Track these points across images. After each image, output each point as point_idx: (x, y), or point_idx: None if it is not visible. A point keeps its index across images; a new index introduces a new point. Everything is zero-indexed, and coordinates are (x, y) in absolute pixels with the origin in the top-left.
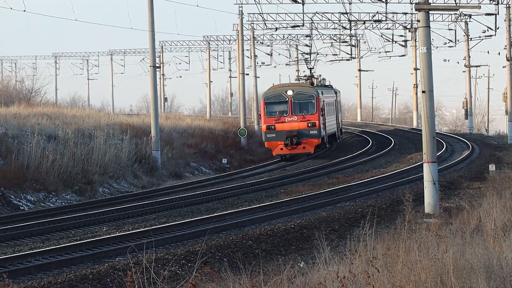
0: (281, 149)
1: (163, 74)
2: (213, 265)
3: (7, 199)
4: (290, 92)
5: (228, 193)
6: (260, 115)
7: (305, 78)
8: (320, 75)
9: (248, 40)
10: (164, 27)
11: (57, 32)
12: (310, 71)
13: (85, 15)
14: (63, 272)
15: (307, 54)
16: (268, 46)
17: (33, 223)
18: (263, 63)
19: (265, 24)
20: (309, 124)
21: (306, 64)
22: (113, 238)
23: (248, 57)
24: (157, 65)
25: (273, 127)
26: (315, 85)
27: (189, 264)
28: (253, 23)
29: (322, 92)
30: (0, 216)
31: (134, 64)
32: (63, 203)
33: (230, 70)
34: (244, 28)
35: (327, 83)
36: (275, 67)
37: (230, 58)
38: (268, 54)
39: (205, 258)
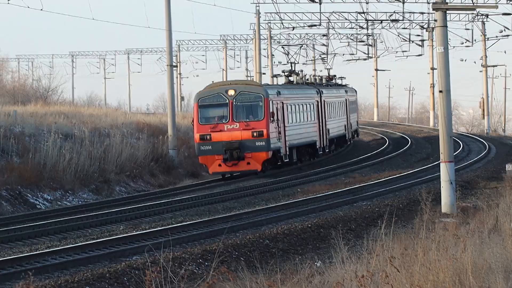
0: (219, 165)
1: (180, 73)
2: (230, 264)
3: (24, 197)
4: (231, 92)
5: (245, 192)
6: (193, 121)
7: (286, 73)
8: (301, 71)
9: (265, 39)
10: (181, 26)
11: (74, 31)
12: (291, 65)
13: (102, 14)
14: (80, 270)
15: (323, 53)
16: (285, 45)
17: (50, 222)
18: (280, 62)
19: (282, 23)
20: (255, 134)
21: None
22: (130, 237)
23: (265, 56)
24: (174, 64)
25: (208, 137)
26: (294, 82)
27: (206, 263)
28: (270, 23)
29: (278, 92)
30: (17, 215)
31: (151, 63)
32: (80, 202)
33: (247, 69)
34: (261, 27)
35: (339, 81)
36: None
37: (247, 58)
38: (285, 53)
39: (222, 257)
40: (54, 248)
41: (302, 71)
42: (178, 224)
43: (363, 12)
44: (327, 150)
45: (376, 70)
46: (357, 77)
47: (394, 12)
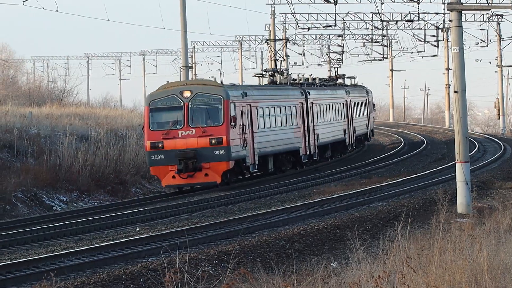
0: (173, 177)
1: (195, 74)
2: (246, 265)
3: (40, 199)
4: (187, 94)
5: (261, 193)
6: (143, 127)
7: (269, 72)
8: (286, 70)
9: (280, 40)
10: (196, 27)
11: (89, 32)
12: (275, 63)
13: (117, 15)
14: (96, 272)
15: (339, 53)
16: (301, 46)
17: (66, 223)
18: (295, 63)
19: (297, 24)
20: (213, 141)
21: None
22: (146, 238)
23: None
24: (189, 65)
25: (160, 145)
26: (278, 82)
27: (222, 264)
28: (285, 23)
29: (244, 94)
30: (33, 217)
31: (166, 64)
32: (96, 203)
33: (262, 70)
34: (276, 28)
35: (348, 81)
36: (307, 67)
37: (262, 58)
38: (300, 54)
39: (238, 259)
40: (70, 250)
41: (287, 70)
42: (194, 225)
43: (378, 13)
44: (315, 158)
45: (391, 70)
46: (372, 78)
47: (409, 12)
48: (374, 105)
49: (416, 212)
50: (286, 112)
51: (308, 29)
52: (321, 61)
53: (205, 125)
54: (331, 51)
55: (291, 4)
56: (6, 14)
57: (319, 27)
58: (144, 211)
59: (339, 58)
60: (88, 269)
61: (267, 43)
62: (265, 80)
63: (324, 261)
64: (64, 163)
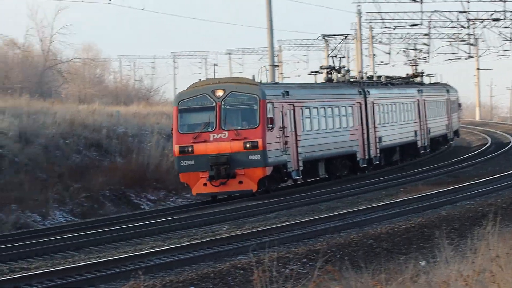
0: (204, 184)
1: (281, 73)
2: (334, 264)
3: (127, 198)
4: (219, 93)
5: (348, 192)
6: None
7: (326, 69)
8: (343, 67)
9: (367, 39)
10: (282, 25)
11: (176, 31)
12: (333, 59)
13: (204, 14)
14: (185, 270)
15: (425, 52)
16: (387, 45)
17: (154, 222)
18: (381, 62)
19: (383, 22)
20: (248, 145)
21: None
22: (234, 236)
23: (366, 56)
24: (275, 64)
25: (190, 149)
26: (334, 80)
27: (310, 263)
28: (371, 22)
29: (285, 93)
30: (121, 215)
31: (253, 63)
32: (183, 202)
33: (348, 69)
34: (362, 26)
35: (427, 79)
36: (393, 66)
37: (348, 57)
38: (387, 53)
39: (326, 257)
40: (158, 248)
41: (344, 67)
42: (282, 224)
43: (464, 11)
44: (376, 162)
45: (478, 69)
46: (459, 76)
47: (495, 11)
48: (459, 105)
49: (504, 211)
50: (339, 113)
51: (394, 28)
52: (408, 60)
53: (239, 128)
54: (416, 50)
55: (377, 2)
56: (93, 13)
57: (405, 26)
58: (231, 209)
59: (425, 57)
60: (177, 267)
61: (324, 38)
62: (320, 78)
63: (413, 260)
64: (151, 162)
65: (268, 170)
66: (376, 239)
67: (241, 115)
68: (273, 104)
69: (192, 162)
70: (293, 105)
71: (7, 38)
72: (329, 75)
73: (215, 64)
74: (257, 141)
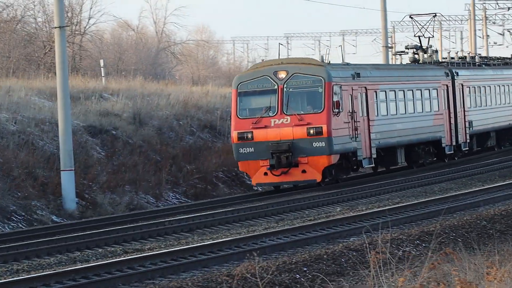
0: (265, 174)
1: (394, 54)
2: (447, 245)
3: (240, 179)
4: (282, 74)
5: (461, 173)
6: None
7: (411, 49)
8: (430, 46)
9: (480, 20)
10: (396, 6)
11: (290, 12)
12: (419, 39)
13: None
14: (298, 252)
15: None
16: (500, 26)
17: (267, 204)
18: (495, 43)
19: (497, 3)
20: (311, 131)
21: None
22: (347, 218)
23: (480, 37)
24: (389, 45)
25: (249, 135)
26: (420, 61)
27: (423, 245)
28: (485, 3)
29: (356, 75)
30: (234, 196)
31: (366, 45)
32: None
33: (462, 50)
34: (476, 7)
35: None
36: (507, 47)
37: (462, 38)
38: (500, 34)
39: (440, 239)
40: (272, 230)
41: (431, 46)
42: (395, 205)
43: None
44: (465, 149)
45: None
46: None
47: None
48: None
49: None
50: (422, 96)
51: (508, 8)
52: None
53: (302, 112)
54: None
55: None
56: None
57: None
58: (345, 191)
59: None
60: (290, 249)
61: (411, 18)
62: (405, 59)
63: None
64: None
65: (334, 158)
66: (490, 220)
67: (304, 98)
68: (340, 87)
69: (252, 149)
70: (365, 87)
71: (122, 20)
72: (416, 56)
73: (280, 44)
74: (321, 127)
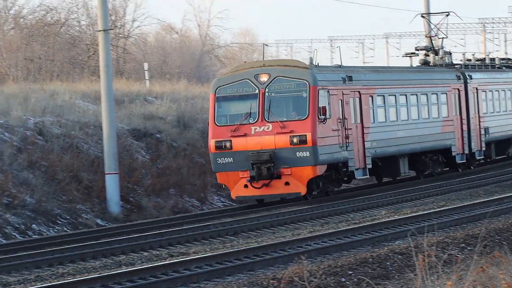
0: (245, 186)
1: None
2: (492, 248)
3: None
4: (263, 78)
5: (506, 176)
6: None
7: (420, 50)
8: (442, 48)
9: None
10: (440, 8)
11: (333, 15)
12: (430, 40)
13: None
14: (343, 255)
15: None
16: None
17: (312, 207)
18: None
19: None
20: (294, 139)
21: None
22: (392, 221)
23: None
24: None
25: (227, 144)
26: (431, 63)
27: (469, 248)
28: None
29: (347, 78)
30: (279, 200)
31: (410, 47)
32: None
33: (505, 53)
34: None
35: None
36: None
37: (505, 41)
38: None
39: (485, 242)
40: (316, 233)
41: (443, 48)
42: (440, 209)
43: None
44: (480, 157)
45: None
46: None
47: None
48: None
49: None
50: (428, 101)
51: None
52: None
53: (285, 119)
54: None
55: None
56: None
57: None
58: (390, 194)
59: None
60: (335, 252)
61: (423, 17)
62: (415, 61)
63: None
64: None
65: (320, 169)
66: None
67: (288, 104)
68: (328, 91)
69: (231, 159)
70: (358, 92)
71: (165, 24)
72: (427, 57)
73: (264, 44)
74: (305, 135)
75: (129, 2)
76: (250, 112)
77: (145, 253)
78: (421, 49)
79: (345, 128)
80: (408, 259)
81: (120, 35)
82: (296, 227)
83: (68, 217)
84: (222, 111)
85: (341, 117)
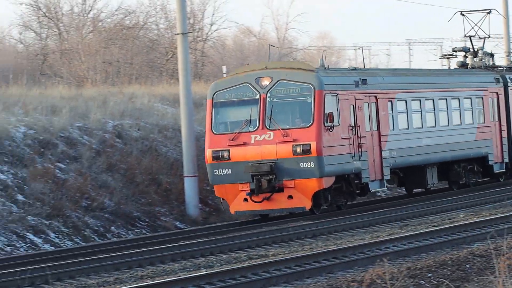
0: (245, 200)
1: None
2: None
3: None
4: (265, 81)
5: None
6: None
7: (458, 51)
8: (481, 48)
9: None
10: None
11: (412, 18)
12: (470, 40)
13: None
14: (422, 258)
15: None
16: None
17: (391, 209)
18: None
19: None
20: (298, 149)
21: None
22: (471, 224)
23: None
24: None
25: (225, 154)
26: (469, 66)
27: None
28: None
29: (361, 81)
30: (358, 202)
31: (489, 49)
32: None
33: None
34: None
35: None
36: None
37: None
38: None
39: None
40: (395, 236)
41: (482, 48)
42: None
43: None
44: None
45: None
46: None
47: None
48: None
49: None
50: (460, 106)
51: None
52: None
53: (287, 127)
54: None
55: None
56: (327, 1)
57: None
58: (468, 197)
59: None
60: (414, 254)
61: (462, 14)
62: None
63: None
64: None
65: (327, 182)
66: None
67: (291, 110)
68: (337, 96)
69: (229, 171)
70: (375, 96)
71: (243, 27)
72: (466, 59)
73: (270, 45)
74: (309, 144)
75: (207, 6)
76: (250, 119)
77: (224, 256)
78: (459, 50)
79: (357, 136)
80: (487, 262)
81: (198, 38)
82: (375, 229)
83: (147, 220)
84: (220, 118)
85: (353, 124)
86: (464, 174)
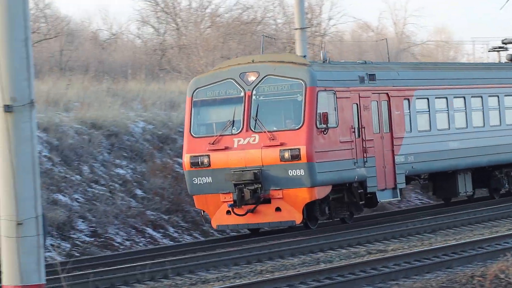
0: (228, 212)
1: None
2: None
3: None
4: (251, 77)
5: None
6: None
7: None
8: None
9: None
10: None
11: None
12: None
13: None
14: None
15: None
16: None
17: (510, 205)
18: None
19: None
20: (286, 155)
21: None
22: None
23: None
24: None
25: (206, 160)
26: None
27: None
28: None
29: (367, 76)
30: (478, 197)
31: None
32: None
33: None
34: None
35: None
36: None
37: None
38: None
39: None
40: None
41: None
42: None
43: None
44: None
45: None
46: None
47: None
48: None
49: None
50: (499, 104)
51: None
52: None
53: (275, 129)
54: None
55: None
56: None
57: None
58: None
59: None
60: None
61: None
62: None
63: None
64: None
65: (320, 192)
66: None
67: (279, 110)
68: (334, 93)
69: (209, 179)
70: (386, 94)
71: (361, 22)
72: None
73: (264, 36)
74: (298, 149)
75: (325, 0)
76: (233, 120)
77: (343, 251)
78: (509, 43)
79: (362, 139)
80: None
81: (316, 33)
82: (494, 224)
83: None
84: (200, 119)
85: (356, 126)
86: (505, 181)
